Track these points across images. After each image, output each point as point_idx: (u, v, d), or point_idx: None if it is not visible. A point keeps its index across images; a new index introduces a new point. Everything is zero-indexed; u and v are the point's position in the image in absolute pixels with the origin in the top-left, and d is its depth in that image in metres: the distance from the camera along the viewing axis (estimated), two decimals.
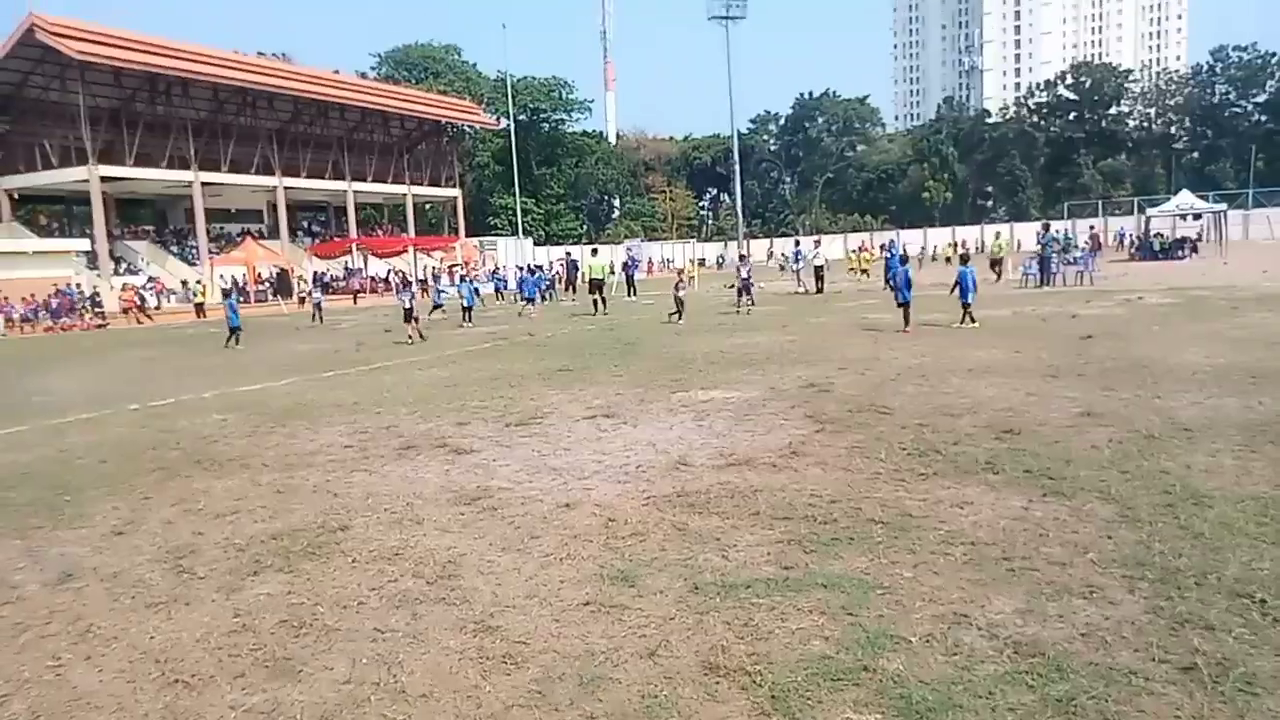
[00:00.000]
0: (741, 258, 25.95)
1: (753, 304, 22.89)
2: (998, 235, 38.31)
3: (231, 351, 19.41)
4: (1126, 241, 52.01)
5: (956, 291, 15.77)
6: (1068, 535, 4.82)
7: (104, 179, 42.31)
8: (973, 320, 15.47)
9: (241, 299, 40.31)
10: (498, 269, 48.21)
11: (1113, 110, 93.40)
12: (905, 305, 15.66)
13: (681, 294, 21.20)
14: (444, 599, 4.45)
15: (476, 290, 26.61)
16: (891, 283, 28.01)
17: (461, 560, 4.99)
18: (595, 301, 24.81)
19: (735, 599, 4.22)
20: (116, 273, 42.64)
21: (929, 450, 6.77)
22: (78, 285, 36.00)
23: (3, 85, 42.90)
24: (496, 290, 39.42)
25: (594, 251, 28.61)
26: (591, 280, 25.88)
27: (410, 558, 5.08)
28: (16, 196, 45.61)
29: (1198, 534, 4.71)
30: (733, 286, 28.33)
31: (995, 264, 31.05)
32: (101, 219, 42.48)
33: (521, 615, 4.20)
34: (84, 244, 42.44)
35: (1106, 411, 7.81)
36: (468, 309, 23.64)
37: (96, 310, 33.83)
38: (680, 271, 26.10)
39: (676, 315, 20.51)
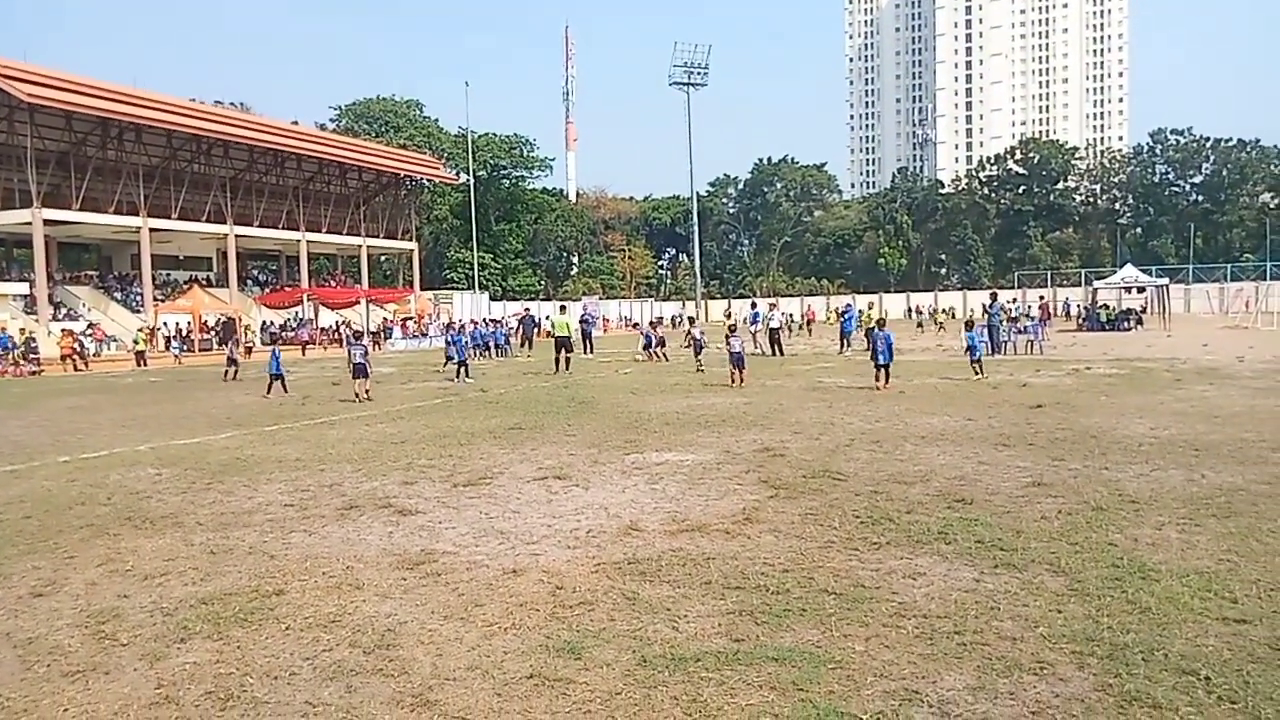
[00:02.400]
0: (691, 320, 26.03)
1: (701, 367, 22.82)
2: (870, 305, 39.87)
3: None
4: (1074, 312, 53.49)
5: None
6: (1019, 608, 4.79)
7: (48, 222, 41.41)
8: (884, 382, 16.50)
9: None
10: (452, 324, 47.91)
11: (1060, 185, 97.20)
12: (885, 367, 16.46)
13: (738, 348, 18.55)
14: (381, 670, 4.26)
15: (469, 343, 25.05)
16: (847, 343, 28.63)
17: (401, 629, 4.80)
18: (557, 360, 23.66)
19: (684, 673, 4.09)
20: (55, 318, 41.52)
21: (882, 518, 6.75)
22: (21, 330, 34.92)
23: None
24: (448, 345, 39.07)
25: (561, 308, 27.43)
26: (556, 338, 24.57)
27: (347, 625, 4.87)
28: None
29: (1144, 609, 4.71)
30: (687, 346, 28.47)
31: (869, 334, 31.40)
32: (43, 263, 41.47)
33: (462, 688, 4.03)
34: (22, 288, 41.35)
35: (1056, 482, 7.89)
36: (462, 363, 21.95)
37: (32, 356, 32.74)
38: (730, 328, 21.23)
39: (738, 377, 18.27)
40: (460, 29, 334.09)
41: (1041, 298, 53.78)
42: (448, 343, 28.39)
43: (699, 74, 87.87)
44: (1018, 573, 5.39)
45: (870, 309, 37.22)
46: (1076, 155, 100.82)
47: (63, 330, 37.42)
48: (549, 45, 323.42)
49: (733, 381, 18.17)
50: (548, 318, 38.80)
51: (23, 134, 40.76)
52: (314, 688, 4.09)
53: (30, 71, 39.46)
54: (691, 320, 25.41)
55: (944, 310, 53.02)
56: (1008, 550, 5.83)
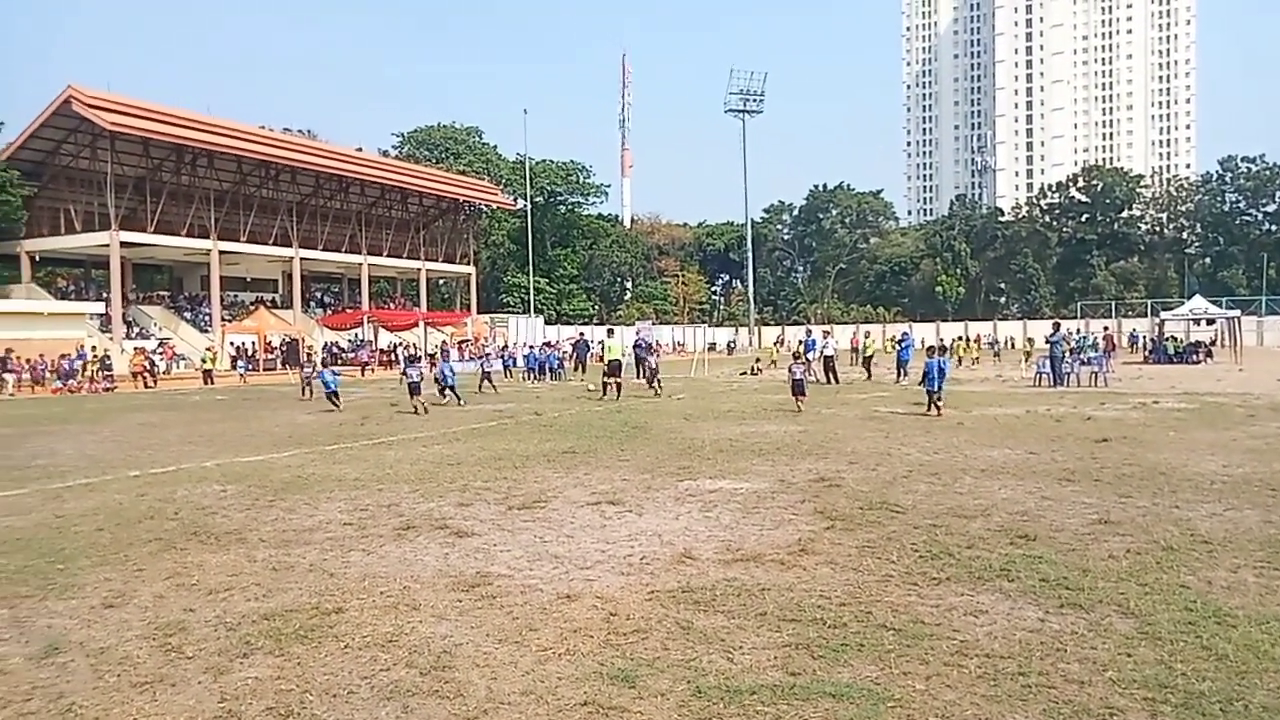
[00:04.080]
0: (648, 346, 26.21)
1: (659, 391, 24.11)
2: (867, 334, 39.89)
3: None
4: (1140, 343, 52.18)
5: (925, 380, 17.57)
6: (1086, 651, 4.64)
7: (124, 244, 43.09)
8: (937, 410, 16.98)
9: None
10: (507, 346, 48.48)
11: (1125, 214, 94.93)
12: (934, 392, 17.19)
13: (799, 375, 18.95)
14: (437, 691, 4.29)
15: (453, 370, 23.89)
16: (904, 373, 28.26)
17: (457, 650, 4.83)
18: (607, 385, 23.27)
19: (739, 705, 4.05)
20: (129, 336, 43.06)
21: (942, 553, 6.62)
22: (93, 348, 36.28)
23: (36, 152, 44.20)
24: (505, 368, 39.65)
25: (609, 332, 26.74)
26: (610, 362, 23.97)
27: (404, 645, 4.92)
28: (37, 259, 46.54)
29: (1221, 655, 4.53)
30: (744, 373, 28.26)
31: (866, 362, 31.48)
32: (118, 283, 43.12)
33: (516, 713, 4.04)
34: (98, 307, 43.00)
35: (1124, 520, 7.65)
36: (449, 387, 22.21)
37: (105, 373, 33.95)
38: (794, 354, 22.15)
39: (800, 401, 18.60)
40: (519, 58, 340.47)
41: (1106, 328, 52.47)
42: (403, 372, 24.80)
43: (755, 101, 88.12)
44: (1084, 613, 5.23)
45: (867, 337, 37.30)
46: (1142, 183, 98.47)
47: (135, 348, 38.74)
48: (606, 72, 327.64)
49: (797, 408, 18.59)
50: (600, 342, 38.48)
51: (104, 160, 42.61)
52: (372, 707, 4.13)
53: (112, 100, 41.28)
54: (649, 346, 25.78)
55: (1025, 337, 51.89)
56: (1073, 590, 5.66)
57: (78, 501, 9.49)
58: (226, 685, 4.41)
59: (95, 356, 34.62)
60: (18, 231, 43.98)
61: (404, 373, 20.97)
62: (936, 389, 17.12)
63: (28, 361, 33.45)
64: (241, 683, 4.44)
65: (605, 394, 23.08)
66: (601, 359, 26.22)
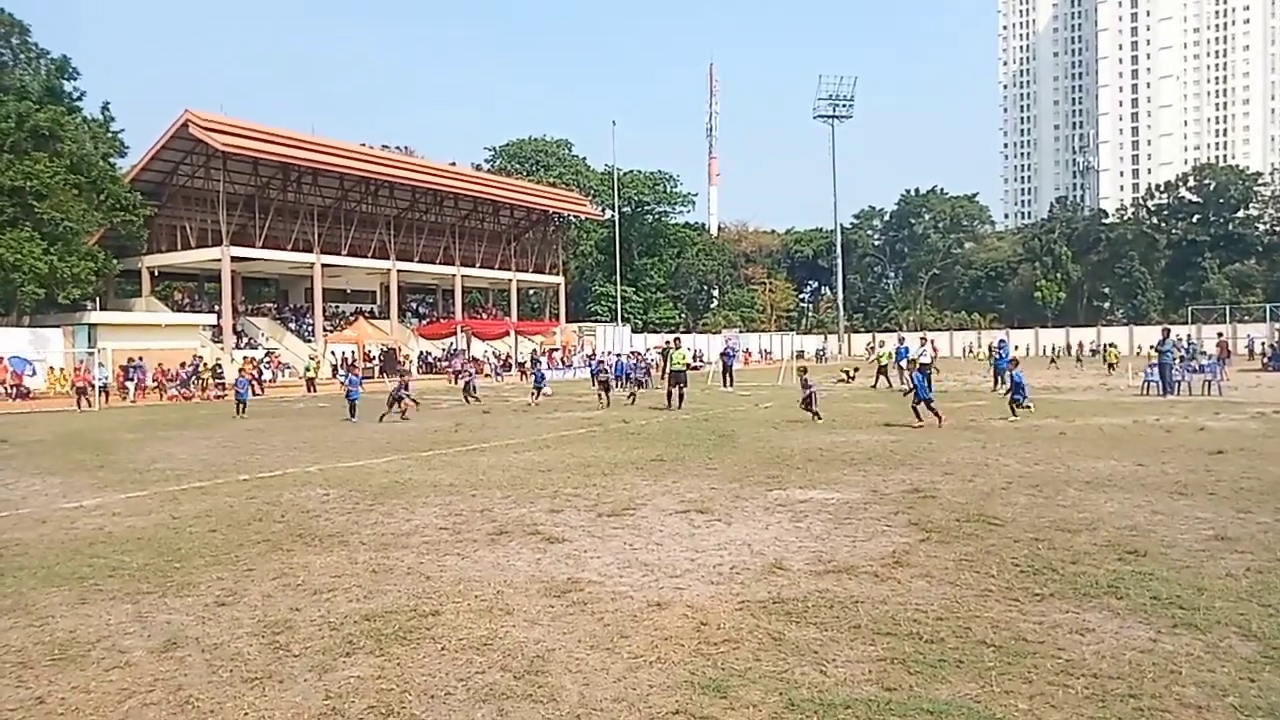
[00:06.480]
0: (734, 353, 25.86)
1: (634, 398, 25.08)
2: (882, 344, 38.85)
3: (347, 425, 20.12)
4: (1257, 350, 49.49)
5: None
6: (1203, 674, 4.40)
7: (235, 259, 45.26)
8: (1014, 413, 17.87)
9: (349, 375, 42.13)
10: (594, 355, 48.96)
11: (1241, 214, 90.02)
12: (925, 401, 17.02)
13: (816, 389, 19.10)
14: (530, 695, 4.35)
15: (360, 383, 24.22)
16: (1001, 381, 27.33)
17: (550, 655, 4.89)
18: (671, 395, 22.94)
19: (833, 719, 3.98)
20: (238, 346, 45.16)
21: (1044, 568, 6.38)
22: (201, 358, 38.23)
23: (156, 173, 46.85)
24: (593, 375, 39.96)
25: (676, 342, 26.27)
26: (672, 372, 23.76)
27: (499, 649, 5.01)
28: (156, 273, 49.28)
29: None
30: (848, 374, 27.73)
31: (881, 371, 30.99)
32: (229, 296, 45.29)
33: (609, 719, 4.06)
34: (211, 319, 45.27)
35: (1242, 536, 7.24)
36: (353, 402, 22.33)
37: (217, 381, 35.69)
38: (801, 368, 21.52)
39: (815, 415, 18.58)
40: (610, 70, 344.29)
41: (1220, 334, 49.78)
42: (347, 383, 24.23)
43: (844, 106, 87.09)
44: (1201, 634, 4.96)
45: (883, 346, 36.36)
46: (1260, 181, 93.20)
47: (244, 358, 40.62)
48: (694, 82, 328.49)
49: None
50: (664, 352, 37.76)
51: (216, 179, 44.89)
52: (468, 709, 4.22)
53: (225, 123, 43.51)
54: (633, 354, 25.74)
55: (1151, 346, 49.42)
56: (1188, 609, 5.38)
57: (192, 503, 9.98)
58: (330, 683, 4.56)
59: (207, 366, 36.42)
60: (140, 248, 46.70)
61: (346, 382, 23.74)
62: (924, 397, 16.77)
63: (159, 371, 35.47)
64: (344, 681, 4.59)
65: (669, 404, 22.77)
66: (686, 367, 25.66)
